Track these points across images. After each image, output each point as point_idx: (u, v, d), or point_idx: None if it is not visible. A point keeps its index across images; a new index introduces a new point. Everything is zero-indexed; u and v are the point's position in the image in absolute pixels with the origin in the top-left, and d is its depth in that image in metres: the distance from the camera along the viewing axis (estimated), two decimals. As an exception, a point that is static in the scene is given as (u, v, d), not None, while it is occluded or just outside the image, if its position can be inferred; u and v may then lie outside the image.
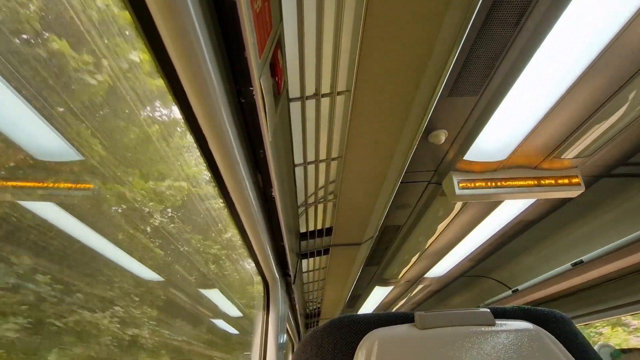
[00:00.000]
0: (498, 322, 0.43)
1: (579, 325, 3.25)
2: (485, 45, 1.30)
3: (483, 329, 0.41)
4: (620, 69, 1.40)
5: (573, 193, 1.99)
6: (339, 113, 1.17)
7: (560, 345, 0.41)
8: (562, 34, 1.27)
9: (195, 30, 0.53)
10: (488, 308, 0.44)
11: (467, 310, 0.43)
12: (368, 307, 4.79)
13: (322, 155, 1.36)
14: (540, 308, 0.47)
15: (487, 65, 1.38)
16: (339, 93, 1.07)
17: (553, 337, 0.42)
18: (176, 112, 0.72)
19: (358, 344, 0.42)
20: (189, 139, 0.81)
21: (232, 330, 3.95)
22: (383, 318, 0.46)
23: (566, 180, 1.98)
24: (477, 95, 1.51)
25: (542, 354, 0.39)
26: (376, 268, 3.48)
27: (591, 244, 2.39)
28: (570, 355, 0.40)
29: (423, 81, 1.05)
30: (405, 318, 0.45)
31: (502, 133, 1.76)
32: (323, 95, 1.06)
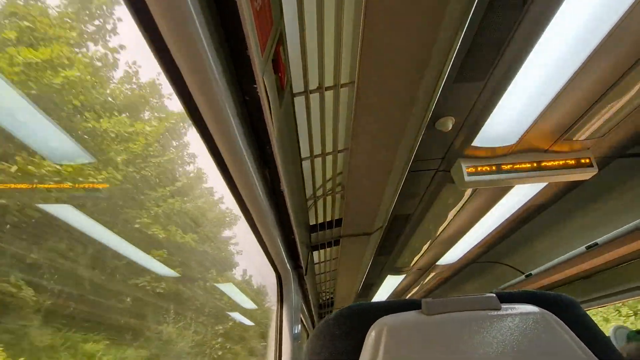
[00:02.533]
0: (504, 306, 0.43)
1: (594, 308, 3.22)
2: (490, 30, 1.28)
3: (489, 313, 0.42)
4: (633, 45, 1.36)
5: (585, 175, 1.95)
6: (344, 105, 1.17)
7: (567, 327, 0.42)
8: (569, 13, 1.24)
9: (198, 31, 0.54)
10: (494, 293, 0.45)
11: (473, 295, 0.44)
12: (381, 296, 4.82)
13: (329, 148, 1.37)
14: (546, 292, 0.48)
15: (493, 49, 1.35)
16: (342, 85, 1.07)
17: (559, 319, 0.42)
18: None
19: (367, 331, 0.44)
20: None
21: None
22: (391, 305, 0.48)
23: (578, 163, 1.94)
24: (484, 80, 1.49)
25: (548, 336, 0.40)
26: (387, 257, 3.50)
27: (606, 226, 2.35)
28: (577, 338, 0.41)
29: (427, 69, 1.05)
30: (412, 305, 0.46)
31: (510, 117, 1.74)
32: (327, 89, 1.06)
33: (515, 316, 0.42)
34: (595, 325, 0.46)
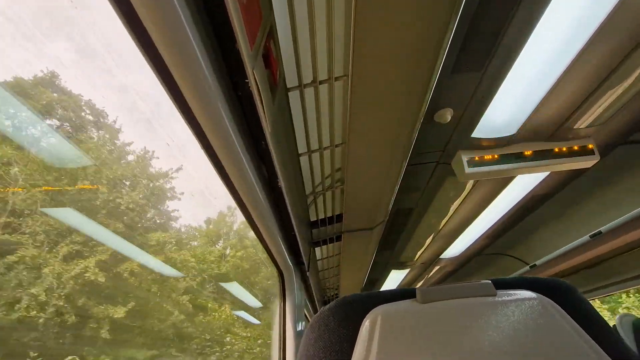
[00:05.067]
0: (500, 292, 0.43)
1: (601, 297, 3.20)
2: (486, 18, 1.26)
3: (484, 300, 0.42)
4: (632, 29, 1.34)
5: (587, 163, 1.94)
6: (339, 99, 1.16)
7: (565, 313, 0.41)
8: (566, -2, 1.22)
9: (185, 27, 0.54)
10: (490, 280, 0.45)
11: (468, 282, 0.44)
12: (385, 291, 4.82)
13: (326, 143, 1.36)
14: (544, 277, 0.47)
15: (489, 37, 1.34)
16: (336, 79, 1.06)
17: (557, 305, 0.42)
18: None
19: (362, 321, 0.43)
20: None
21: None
22: (386, 295, 0.47)
23: (580, 150, 1.93)
24: (482, 69, 1.48)
25: (545, 322, 0.39)
26: (391, 252, 3.49)
27: (610, 214, 2.33)
28: (575, 323, 0.40)
29: (422, 59, 1.03)
30: (407, 294, 0.46)
31: (509, 107, 1.72)
32: (321, 82, 1.05)
33: (511, 302, 0.41)
34: (594, 310, 0.46)
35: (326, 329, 0.46)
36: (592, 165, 1.96)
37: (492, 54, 1.40)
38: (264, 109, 0.82)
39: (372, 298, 0.47)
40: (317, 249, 2.44)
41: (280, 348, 1.67)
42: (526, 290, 0.44)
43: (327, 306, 0.48)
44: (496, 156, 1.94)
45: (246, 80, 0.73)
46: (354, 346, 0.42)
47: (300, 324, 1.86)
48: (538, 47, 1.40)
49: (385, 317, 0.42)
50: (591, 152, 1.92)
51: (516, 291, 0.43)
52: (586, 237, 2.45)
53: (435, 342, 0.38)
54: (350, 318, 0.45)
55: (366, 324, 0.42)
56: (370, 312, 0.43)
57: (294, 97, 1.10)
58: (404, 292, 0.46)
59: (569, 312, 0.42)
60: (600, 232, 2.31)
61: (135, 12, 0.51)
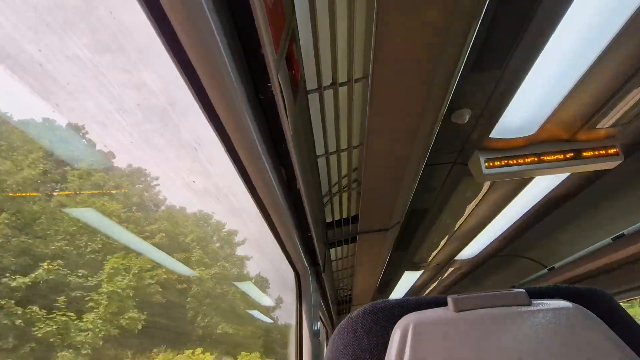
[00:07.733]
0: (534, 302, 0.42)
1: (621, 302, 3.11)
2: (507, 15, 1.24)
3: (519, 309, 0.41)
4: None
5: (611, 164, 1.88)
6: (358, 100, 1.16)
7: (602, 323, 0.40)
8: (591, -5, 1.19)
9: (212, 30, 0.54)
10: (523, 288, 0.44)
11: (502, 291, 0.43)
12: (398, 292, 4.79)
13: (344, 144, 1.36)
14: (578, 286, 0.46)
15: (510, 36, 1.31)
16: (356, 80, 1.06)
17: (594, 314, 0.40)
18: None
19: (392, 329, 0.43)
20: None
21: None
22: (416, 302, 0.47)
23: (603, 151, 1.87)
24: (501, 68, 1.45)
25: (582, 332, 0.39)
26: (405, 253, 3.46)
27: (633, 216, 2.26)
28: (613, 333, 0.39)
29: (442, 60, 1.02)
30: (438, 302, 0.45)
31: (529, 106, 1.68)
32: (340, 84, 1.05)
33: (547, 312, 0.40)
34: (631, 318, 0.44)
35: (355, 336, 0.46)
36: (616, 166, 1.90)
37: (512, 51, 1.37)
38: (286, 112, 0.82)
39: (401, 305, 0.46)
40: (332, 250, 2.44)
41: (297, 347, 1.68)
42: (561, 299, 0.43)
43: (355, 312, 0.48)
44: (515, 157, 1.90)
45: (269, 84, 0.74)
46: (384, 354, 0.42)
47: (315, 324, 1.86)
48: (560, 45, 1.36)
49: (418, 325, 0.41)
50: (615, 153, 1.86)
51: (551, 301, 0.42)
52: (608, 240, 2.38)
53: (470, 352, 0.38)
54: (380, 325, 0.45)
55: (397, 331, 0.42)
56: (401, 320, 0.43)
57: (313, 99, 1.10)
58: (434, 300, 0.46)
59: (606, 321, 0.40)
60: (623, 235, 2.24)
61: (166, 16, 0.52)
